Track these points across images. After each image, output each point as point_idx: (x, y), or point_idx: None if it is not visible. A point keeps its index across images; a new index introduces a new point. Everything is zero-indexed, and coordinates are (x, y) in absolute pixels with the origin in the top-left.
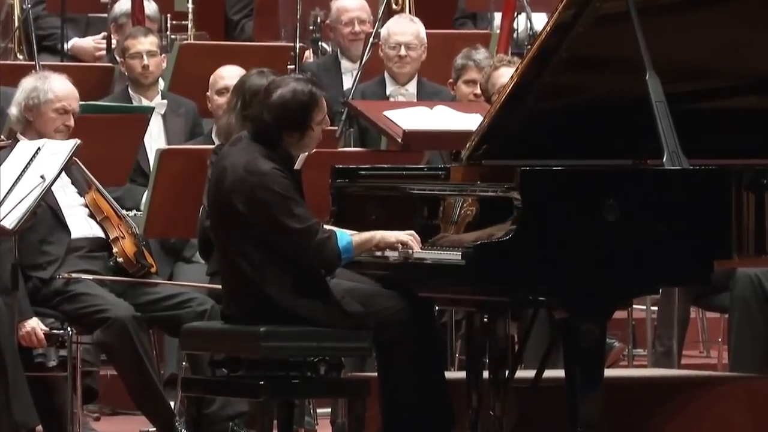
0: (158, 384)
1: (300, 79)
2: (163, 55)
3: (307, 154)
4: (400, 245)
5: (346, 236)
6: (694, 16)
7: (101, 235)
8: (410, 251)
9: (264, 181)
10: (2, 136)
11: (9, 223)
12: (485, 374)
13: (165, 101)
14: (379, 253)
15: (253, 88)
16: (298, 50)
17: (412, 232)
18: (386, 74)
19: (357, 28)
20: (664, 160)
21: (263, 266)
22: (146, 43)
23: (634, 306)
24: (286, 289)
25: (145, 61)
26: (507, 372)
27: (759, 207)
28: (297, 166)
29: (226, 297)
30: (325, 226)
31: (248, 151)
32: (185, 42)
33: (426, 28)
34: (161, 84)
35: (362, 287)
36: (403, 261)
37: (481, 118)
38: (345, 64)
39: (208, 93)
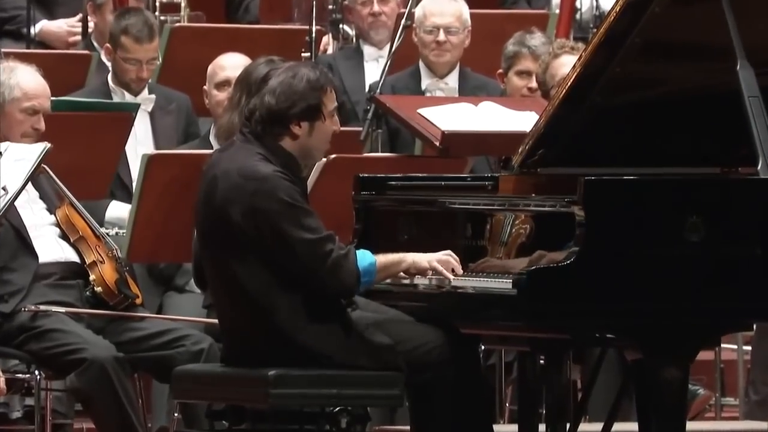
0: None
1: (305, 64)
2: None
3: (323, 162)
4: (433, 271)
5: (368, 255)
6: None
7: (75, 259)
8: (446, 280)
9: (264, 187)
10: None
11: None
12: (542, 428)
13: (153, 96)
14: (407, 280)
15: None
16: (314, 34)
17: (450, 252)
18: (421, 64)
19: (376, 8)
20: (759, 168)
21: (269, 290)
22: (150, 50)
23: (723, 345)
24: (297, 317)
25: (144, 73)
26: (568, 425)
27: None
28: (311, 180)
29: (226, 333)
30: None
31: (243, 154)
32: (177, 25)
33: (470, 8)
34: None
35: (392, 320)
36: (437, 289)
37: (537, 117)
38: (367, 50)
39: (205, 86)
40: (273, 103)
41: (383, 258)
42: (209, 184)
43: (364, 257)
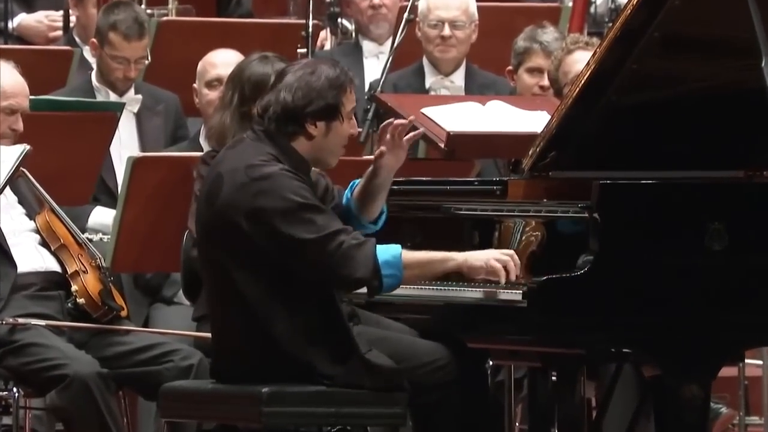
0: None
1: (324, 60)
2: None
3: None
4: (487, 272)
5: (393, 248)
6: None
7: (56, 268)
8: (499, 283)
9: (269, 186)
10: None
11: None
12: None
13: (139, 96)
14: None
15: (254, 78)
16: (311, 29)
17: (512, 252)
18: (425, 60)
19: (376, 0)
20: None
21: (268, 299)
22: (139, 48)
23: (747, 361)
24: (297, 332)
25: (132, 73)
26: None
27: None
28: None
29: (218, 347)
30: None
31: (252, 153)
32: (165, 19)
33: (477, 1)
34: None
35: (394, 336)
36: (486, 299)
37: (549, 117)
38: (367, 45)
39: (195, 85)
40: (289, 100)
41: (421, 254)
42: (213, 182)
43: (388, 249)
